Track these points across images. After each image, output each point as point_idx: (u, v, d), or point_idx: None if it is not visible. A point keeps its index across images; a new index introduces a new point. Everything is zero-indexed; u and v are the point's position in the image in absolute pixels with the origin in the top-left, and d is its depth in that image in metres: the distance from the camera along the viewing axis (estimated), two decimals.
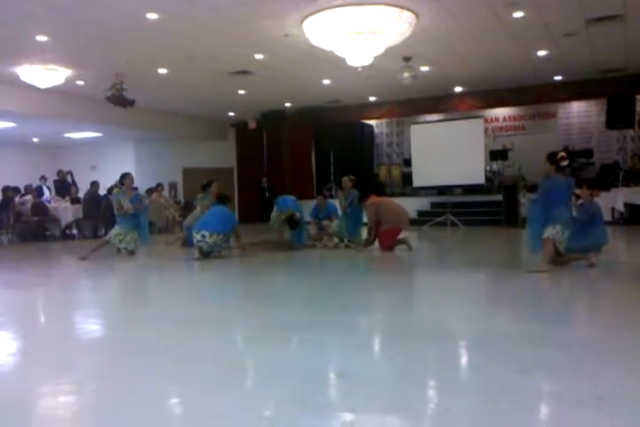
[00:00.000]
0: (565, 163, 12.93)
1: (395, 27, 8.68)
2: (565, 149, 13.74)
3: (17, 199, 13.00)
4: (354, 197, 9.09)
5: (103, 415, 2.30)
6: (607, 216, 10.32)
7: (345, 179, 9.40)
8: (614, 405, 2.21)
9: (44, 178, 15.06)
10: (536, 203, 6.14)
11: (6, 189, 12.80)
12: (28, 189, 13.94)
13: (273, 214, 9.08)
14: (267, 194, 17.05)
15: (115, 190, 8.97)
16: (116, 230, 8.36)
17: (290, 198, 9.12)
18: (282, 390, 2.48)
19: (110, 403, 2.41)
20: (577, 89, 13.92)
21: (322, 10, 8.35)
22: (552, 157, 6.27)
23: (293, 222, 8.62)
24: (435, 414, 2.22)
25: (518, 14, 8.84)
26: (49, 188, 15.03)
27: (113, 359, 3.12)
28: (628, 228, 11.64)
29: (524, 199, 6.67)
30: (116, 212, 8.51)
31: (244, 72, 11.96)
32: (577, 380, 2.49)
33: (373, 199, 8.56)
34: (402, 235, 8.39)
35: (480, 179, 14.04)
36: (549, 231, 5.81)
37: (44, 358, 3.19)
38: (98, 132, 16.60)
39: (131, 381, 2.69)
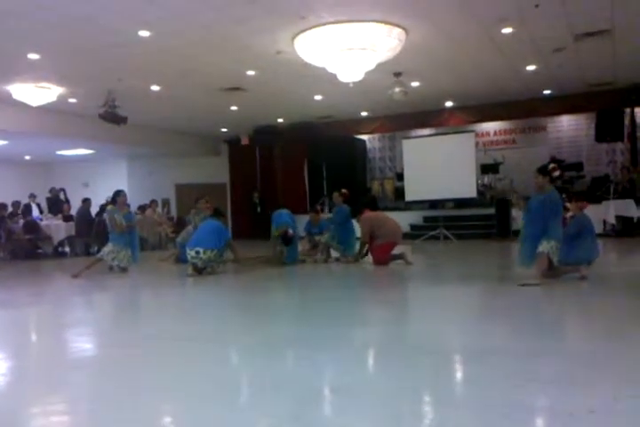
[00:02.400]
0: (557, 173, 12.98)
1: (385, 43, 8.76)
2: (552, 159, 13.81)
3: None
4: (345, 212, 9.11)
5: None
6: (599, 228, 10.37)
7: (335, 194, 9.43)
8: (606, 418, 2.22)
9: (33, 195, 14.89)
10: (529, 218, 6.11)
11: (2, 207, 12.65)
12: (15, 205, 13.78)
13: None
14: (258, 209, 17.05)
15: (109, 207, 8.95)
16: (109, 248, 8.35)
17: (285, 213, 9.12)
18: (277, 406, 2.48)
19: (102, 422, 2.40)
20: (566, 103, 14.04)
21: (313, 27, 8.42)
22: (544, 170, 6.30)
23: (287, 239, 8.63)
24: None
25: (507, 30, 8.93)
26: (39, 205, 14.88)
27: (105, 378, 3.11)
28: (619, 240, 11.70)
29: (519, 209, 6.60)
30: (111, 229, 8.49)
31: (237, 88, 12.02)
32: (569, 393, 2.51)
33: (367, 214, 8.60)
34: (398, 250, 8.41)
35: (472, 192, 14.12)
36: (544, 246, 5.82)
37: (35, 378, 3.18)
38: (90, 149, 16.59)
39: (123, 399, 2.68)
